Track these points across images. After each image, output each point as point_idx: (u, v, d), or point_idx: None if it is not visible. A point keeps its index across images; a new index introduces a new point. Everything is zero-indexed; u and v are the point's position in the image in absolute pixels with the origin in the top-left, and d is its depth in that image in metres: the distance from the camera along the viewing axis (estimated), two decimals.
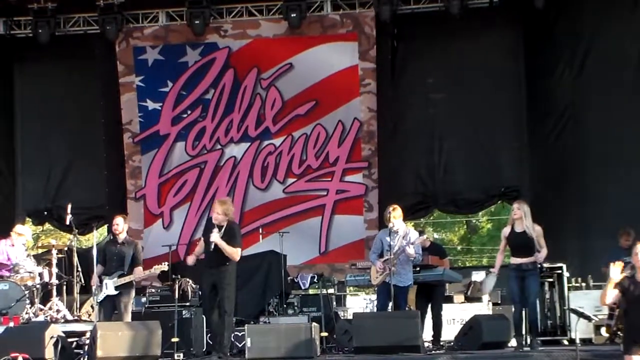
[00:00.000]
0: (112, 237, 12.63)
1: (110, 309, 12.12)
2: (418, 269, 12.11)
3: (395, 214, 11.83)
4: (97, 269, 12.06)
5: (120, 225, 12.23)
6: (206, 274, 11.17)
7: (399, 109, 16.65)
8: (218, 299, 11.02)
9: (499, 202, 17.97)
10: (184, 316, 12.73)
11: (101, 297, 11.94)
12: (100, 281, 12.02)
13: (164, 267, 12.07)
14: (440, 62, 16.55)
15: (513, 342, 11.72)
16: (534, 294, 11.41)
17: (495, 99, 16.34)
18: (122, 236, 12.23)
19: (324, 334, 12.08)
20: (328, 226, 16.38)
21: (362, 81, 16.31)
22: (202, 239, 11.33)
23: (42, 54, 16.92)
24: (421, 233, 12.60)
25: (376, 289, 12.31)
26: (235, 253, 10.98)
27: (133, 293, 12.33)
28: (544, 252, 11.29)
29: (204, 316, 11.72)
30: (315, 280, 14.43)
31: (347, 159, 16.44)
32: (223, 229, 10.98)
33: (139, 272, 12.16)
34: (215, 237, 10.87)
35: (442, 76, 16.57)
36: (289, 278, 13.96)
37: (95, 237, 12.25)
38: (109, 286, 11.92)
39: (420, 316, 11.48)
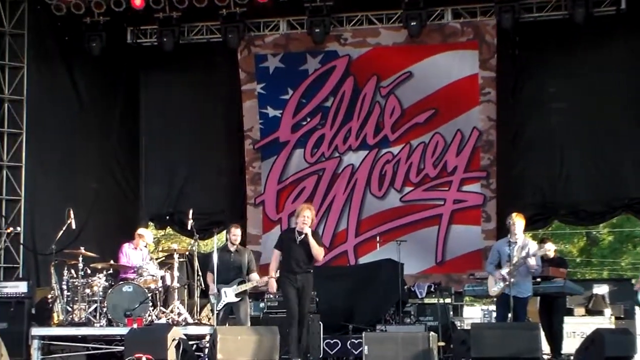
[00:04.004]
0: (224, 246, 12.81)
1: (226, 314, 12.35)
2: (539, 280, 11.94)
3: (517, 223, 11.69)
4: (212, 276, 12.22)
5: (239, 235, 12.56)
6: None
7: (519, 119, 16.46)
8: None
9: (622, 214, 17.53)
10: None
11: (221, 305, 12.18)
12: (217, 289, 12.21)
13: None
14: (563, 71, 16.20)
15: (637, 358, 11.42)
16: None
17: (620, 108, 15.92)
18: (235, 245, 12.50)
19: (441, 343, 12.02)
20: (445, 236, 16.25)
21: (482, 90, 16.13)
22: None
23: (166, 62, 17.20)
24: (545, 241, 12.41)
25: (495, 299, 12.19)
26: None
27: (248, 299, 12.59)
28: None
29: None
30: (432, 289, 14.36)
31: (466, 169, 16.29)
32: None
33: (256, 278, 12.40)
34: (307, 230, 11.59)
35: (564, 85, 16.22)
36: (405, 287, 13.94)
37: (216, 242, 12.44)
38: (229, 294, 12.21)
39: (543, 328, 11.30)
